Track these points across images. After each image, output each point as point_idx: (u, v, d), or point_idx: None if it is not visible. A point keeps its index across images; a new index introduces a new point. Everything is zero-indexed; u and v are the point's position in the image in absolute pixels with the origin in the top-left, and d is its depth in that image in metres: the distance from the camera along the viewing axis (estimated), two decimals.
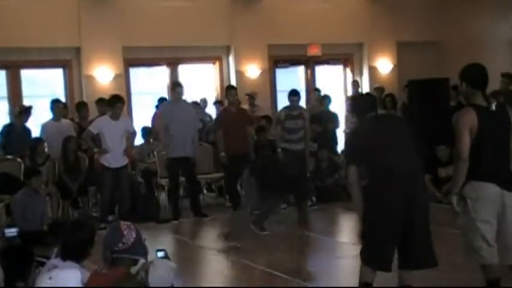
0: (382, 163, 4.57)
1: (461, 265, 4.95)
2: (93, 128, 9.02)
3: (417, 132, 4.89)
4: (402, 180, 4.51)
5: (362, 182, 4.68)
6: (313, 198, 9.83)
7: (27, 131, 9.94)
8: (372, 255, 4.62)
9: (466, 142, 4.38)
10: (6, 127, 9.89)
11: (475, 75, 4.56)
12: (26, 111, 9.86)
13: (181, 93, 9.41)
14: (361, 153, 4.66)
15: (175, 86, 9.55)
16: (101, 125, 8.97)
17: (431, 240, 4.64)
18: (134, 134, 9.50)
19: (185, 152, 9.20)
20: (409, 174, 4.55)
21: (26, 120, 9.86)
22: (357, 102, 5.47)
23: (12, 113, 10.05)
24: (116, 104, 8.93)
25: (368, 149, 4.62)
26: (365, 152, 4.63)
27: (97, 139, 9.10)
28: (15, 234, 7.50)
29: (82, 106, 10.66)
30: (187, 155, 9.23)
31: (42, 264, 4.22)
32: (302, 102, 10.78)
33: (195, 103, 11.15)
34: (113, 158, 8.92)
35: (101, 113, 9.95)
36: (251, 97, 12.10)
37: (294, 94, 9.55)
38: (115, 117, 8.93)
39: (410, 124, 5.06)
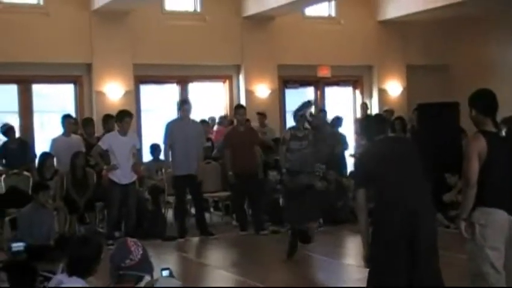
0: (389, 193, 4.56)
1: None
2: (102, 144, 9.04)
3: (425, 156, 4.86)
4: (408, 212, 4.48)
5: (370, 205, 4.67)
6: (321, 220, 9.78)
7: (24, 144, 10.03)
8: (377, 284, 4.60)
9: (474, 168, 4.37)
10: (2, 147, 9.99)
11: (485, 101, 4.55)
12: (9, 131, 9.95)
13: (188, 111, 9.43)
14: (369, 176, 4.65)
15: (183, 104, 9.58)
16: (110, 141, 8.99)
17: (438, 268, 4.60)
18: (139, 150, 9.52)
19: (189, 170, 9.18)
20: (416, 206, 4.52)
21: (14, 138, 9.95)
22: (366, 124, 5.31)
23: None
24: (125, 118, 8.97)
25: (376, 173, 4.61)
26: (373, 176, 4.62)
27: (105, 155, 9.12)
28: (21, 248, 7.51)
29: (88, 122, 10.68)
30: (191, 173, 9.21)
31: (48, 279, 4.22)
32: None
33: (203, 121, 11.18)
34: (122, 174, 8.93)
35: (107, 130, 10.00)
36: (262, 116, 12.10)
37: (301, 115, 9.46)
38: (124, 132, 8.96)
39: (418, 148, 5.03)
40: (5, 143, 10.00)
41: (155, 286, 3.36)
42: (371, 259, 4.67)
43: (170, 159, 9.42)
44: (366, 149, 5.12)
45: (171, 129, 9.42)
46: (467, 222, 4.46)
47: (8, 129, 10.00)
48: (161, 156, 10.78)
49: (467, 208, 4.44)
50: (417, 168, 4.68)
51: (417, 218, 4.51)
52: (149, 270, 3.48)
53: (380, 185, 4.60)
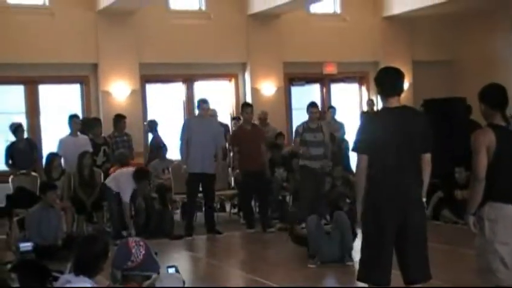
0: (382, 173, 4.52)
1: (478, 286, 4.87)
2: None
3: (432, 152, 4.80)
4: (396, 192, 4.47)
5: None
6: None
7: (31, 144, 10.06)
8: (365, 271, 4.62)
9: (482, 162, 4.34)
10: (9, 147, 10.01)
11: (494, 95, 4.52)
12: (18, 129, 9.98)
13: (206, 110, 9.41)
14: (369, 145, 4.57)
15: (202, 103, 9.51)
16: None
17: (425, 255, 4.58)
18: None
19: (203, 168, 9.17)
20: (405, 188, 4.50)
21: (22, 137, 9.99)
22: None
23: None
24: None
25: (374, 146, 4.54)
26: (372, 146, 4.55)
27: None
28: (30, 248, 7.54)
29: (95, 123, 10.62)
30: (205, 171, 9.21)
31: (56, 278, 4.24)
32: None
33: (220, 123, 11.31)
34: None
35: (119, 130, 10.02)
36: (262, 119, 11.95)
37: (313, 105, 9.48)
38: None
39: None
40: (12, 143, 10.03)
41: (156, 285, 3.35)
42: (361, 249, 4.68)
43: (185, 156, 9.35)
44: (371, 117, 5.03)
45: (188, 125, 9.44)
46: (476, 217, 4.44)
47: (17, 128, 10.03)
48: (168, 155, 10.84)
49: (475, 203, 4.42)
50: (417, 150, 4.57)
51: (408, 203, 4.49)
52: (155, 268, 3.47)
53: (375, 158, 4.53)
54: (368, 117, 6.20)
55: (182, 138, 9.35)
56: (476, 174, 4.38)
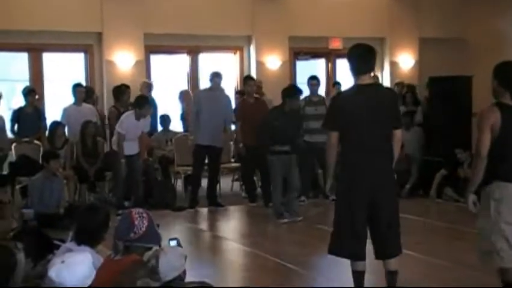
0: (350, 145, 4.58)
1: (478, 265, 4.88)
2: (121, 129, 8.99)
3: (436, 131, 4.79)
4: (368, 172, 4.53)
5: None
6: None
7: (38, 111, 10.01)
8: (336, 245, 4.70)
9: (485, 140, 4.32)
10: (16, 111, 9.92)
11: (508, 73, 4.47)
12: (31, 93, 9.89)
13: (218, 83, 9.36)
14: (338, 122, 4.62)
15: (214, 76, 9.42)
16: (126, 124, 8.97)
17: (396, 229, 4.65)
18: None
19: (213, 141, 9.17)
20: (374, 164, 4.55)
21: (33, 101, 9.87)
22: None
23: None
24: (145, 105, 8.96)
25: (342, 123, 4.59)
26: (339, 122, 4.61)
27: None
28: (31, 216, 7.59)
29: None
30: (214, 144, 9.20)
31: (58, 247, 4.25)
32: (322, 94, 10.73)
33: None
34: (127, 146, 8.99)
35: (123, 103, 9.95)
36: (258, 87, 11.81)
37: (313, 78, 9.62)
38: (138, 117, 8.94)
39: (430, 122, 4.94)
40: (20, 108, 9.91)
41: (160, 257, 3.35)
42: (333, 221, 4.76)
43: (195, 128, 9.33)
44: (341, 95, 5.10)
45: (199, 97, 9.42)
46: (482, 196, 4.41)
47: (29, 91, 9.93)
48: (171, 127, 10.82)
49: (476, 181, 4.40)
50: (387, 126, 4.61)
51: (378, 179, 4.55)
52: (157, 241, 3.48)
53: (345, 134, 4.59)
54: (339, 94, 6.25)
55: (193, 110, 9.33)
56: (478, 151, 4.36)
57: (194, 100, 9.48)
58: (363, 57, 4.70)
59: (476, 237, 4.58)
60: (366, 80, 4.67)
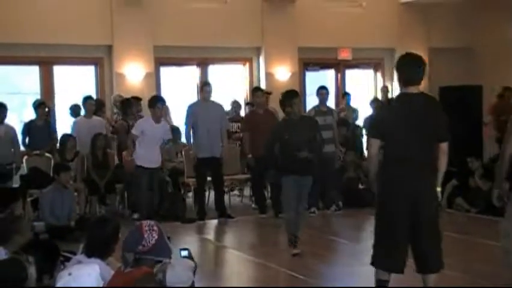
0: (392, 155, 4.49)
1: (489, 275, 4.86)
2: (135, 131, 9.03)
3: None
4: (408, 184, 4.45)
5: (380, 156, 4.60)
6: (340, 203, 9.77)
7: (49, 124, 10.06)
8: (379, 257, 4.63)
9: (510, 142, 4.47)
10: (27, 124, 9.96)
11: None
12: (41, 106, 9.94)
13: (209, 92, 9.39)
14: (381, 131, 4.55)
15: (204, 85, 9.56)
16: (143, 127, 8.98)
17: (437, 244, 4.57)
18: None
19: (212, 153, 9.20)
20: (416, 177, 4.47)
21: (43, 114, 9.90)
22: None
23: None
24: (157, 104, 8.98)
25: (386, 133, 4.50)
26: (384, 133, 4.52)
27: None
28: (43, 228, 7.62)
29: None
30: (214, 155, 9.23)
31: (69, 259, 4.27)
32: (331, 105, 10.76)
33: (234, 102, 11.45)
34: (149, 159, 8.96)
35: (131, 114, 10.01)
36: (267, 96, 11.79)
37: (322, 88, 9.72)
38: (156, 118, 8.96)
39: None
40: (31, 121, 9.94)
41: (167, 271, 3.34)
42: (374, 233, 4.70)
43: (192, 141, 9.41)
44: (388, 103, 5.11)
45: (193, 110, 9.41)
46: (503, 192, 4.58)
47: (40, 104, 9.98)
48: (182, 139, 10.84)
49: (498, 178, 4.60)
50: (432, 138, 4.50)
51: (419, 193, 4.46)
52: (167, 254, 3.43)
53: (388, 145, 4.51)
54: (384, 103, 6.24)
55: (187, 124, 9.37)
56: (503, 151, 4.57)
57: (188, 113, 9.36)
58: (412, 68, 4.55)
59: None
60: (413, 90, 4.52)
